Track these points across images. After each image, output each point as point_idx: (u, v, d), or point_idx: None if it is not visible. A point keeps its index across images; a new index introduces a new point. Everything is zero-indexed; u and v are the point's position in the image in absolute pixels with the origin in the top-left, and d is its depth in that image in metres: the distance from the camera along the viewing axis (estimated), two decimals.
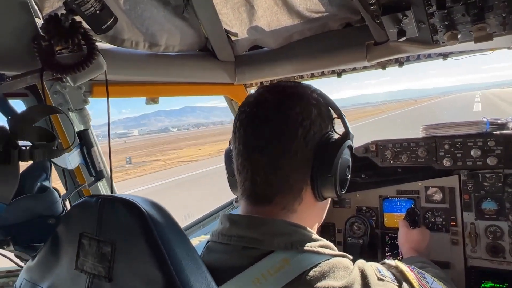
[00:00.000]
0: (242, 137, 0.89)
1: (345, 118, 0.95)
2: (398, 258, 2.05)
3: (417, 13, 1.28)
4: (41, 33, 1.08)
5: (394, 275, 0.89)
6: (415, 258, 1.58)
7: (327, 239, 0.88)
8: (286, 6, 1.62)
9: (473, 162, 1.89)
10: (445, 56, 1.89)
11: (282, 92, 0.92)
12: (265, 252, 0.80)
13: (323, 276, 0.77)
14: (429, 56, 1.91)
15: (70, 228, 0.75)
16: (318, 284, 0.75)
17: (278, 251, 0.80)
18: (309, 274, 0.76)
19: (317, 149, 0.87)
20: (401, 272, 0.91)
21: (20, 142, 0.77)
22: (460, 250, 1.96)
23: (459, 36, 1.36)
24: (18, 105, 1.38)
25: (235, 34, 1.80)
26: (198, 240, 1.03)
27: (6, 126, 0.77)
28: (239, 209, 0.94)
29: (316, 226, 0.99)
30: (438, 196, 2.06)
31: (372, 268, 0.86)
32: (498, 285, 1.88)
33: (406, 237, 1.77)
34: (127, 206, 0.67)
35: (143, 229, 0.64)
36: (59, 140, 1.41)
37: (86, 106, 1.49)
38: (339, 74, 2.18)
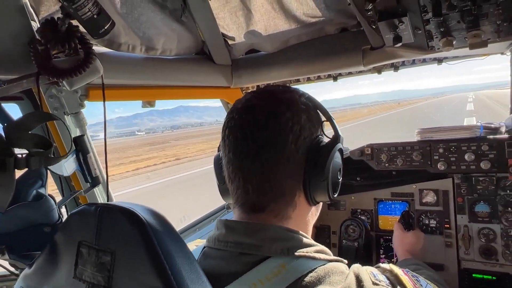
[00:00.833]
0: (232, 145, 0.88)
1: (335, 121, 0.95)
2: (393, 260, 2.06)
3: (413, 20, 1.29)
4: (37, 37, 1.07)
5: (388, 279, 0.89)
6: (410, 261, 1.59)
7: (322, 242, 0.89)
8: (283, 10, 1.62)
9: (467, 166, 1.91)
10: (439, 61, 1.91)
11: (271, 98, 0.91)
12: (262, 258, 0.81)
13: (319, 281, 0.77)
14: (424, 61, 1.93)
15: (69, 236, 0.75)
16: None
17: (275, 257, 0.80)
18: (305, 279, 0.77)
19: (308, 154, 0.87)
20: (396, 276, 0.91)
21: (16, 150, 0.77)
22: (454, 252, 1.98)
23: (454, 43, 1.38)
24: (13, 109, 1.36)
25: (232, 38, 1.80)
26: (195, 245, 1.03)
27: (2, 133, 0.76)
28: (233, 215, 0.94)
29: (311, 229, 1.00)
30: (432, 199, 2.08)
31: (367, 272, 0.86)
32: (487, 277, 1.90)
33: (401, 240, 1.78)
34: (127, 214, 0.66)
35: (143, 238, 0.64)
36: (55, 144, 1.40)
37: (82, 110, 1.48)
38: (335, 78, 2.19)
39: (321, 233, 2.32)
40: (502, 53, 1.77)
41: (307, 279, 0.77)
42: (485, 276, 1.91)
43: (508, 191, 1.87)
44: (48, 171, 1.02)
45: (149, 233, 0.64)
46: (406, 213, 1.93)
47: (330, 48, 1.73)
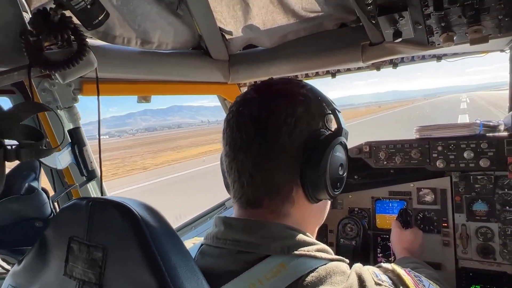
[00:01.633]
0: (228, 138, 0.87)
1: (339, 114, 0.91)
2: (390, 259, 2.05)
3: (413, 14, 1.28)
4: (29, 28, 1.04)
5: (391, 279, 0.88)
6: (408, 259, 1.58)
7: (319, 241, 0.86)
8: (282, 5, 1.60)
9: (466, 164, 1.91)
10: (438, 58, 1.90)
11: (268, 90, 0.89)
12: (261, 256, 0.78)
13: (320, 281, 0.75)
14: (423, 58, 1.92)
15: (59, 232, 0.72)
16: None
17: (274, 256, 0.78)
18: (306, 279, 0.75)
19: (304, 148, 0.83)
20: (398, 276, 0.89)
21: (7, 141, 0.74)
22: (451, 251, 1.98)
23: (454, 38, 1.37)
24: (4, 103, 1.33)
25: (230, 33, 1.78)
26: (192, 243, 1.01)
27: None
28: (233, 211, 0.92)
29: (316, 229, 0.97)
30: (430, 198, 2.07)
31: (369, 272, 0.84)
32: (484, 276, 1.90)
33: (399, 238, 1.77)
34: (120, 209, 0.64)
35: (136, 234, 0.61)
36: (48, 139, 1.37)
37: (76, 104, 1.44)
38: (333, 75, 2.17)
39: (318, 232, 2.30)
40: (501, 50, 1.76)
41: (308, 279, 0.75)
42: (482, 275, 1.91)
43: (506, 189, 1.86)
44: (42, 165, 0.99)
45: (143, 228, 0.62)
46: (404, 211, 1.93)
47: (329, 43, 1.71)
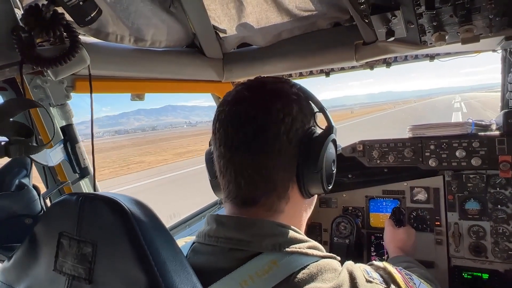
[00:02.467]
0: (223, 138, 0.86)
1: (328, 112, 0.93)
2: (384, 258, 2.06)
3: (406, 13, 1.28)
4: (21, 24, 1.03)
5: (382, 276, 0.88)
6: (401, 258, 1.59)
7: (313, 239, 0.87)
8: (276, 3, 1.60)
9: (458, 163, 1.92)
10: (431, 57, 1.92)
11: (261, 89, 0.89)
12: (252, 254, 0.79)
13: (311, 278, 0.76)
14: (416, 57, 1.93)
15: (49, 227, 0.71)
16: (307, 286, 0.74)
17: (266, 253, 0.78)
18: (297, 276, 0.75)
19: (300, 146, 0.85)
20: (389, 274, 0.90)
21: None
22: (444, 249, 1.99)
23: (446, 37, 1.38)
24: None
25: (224, 31, 1.77)
26: (184, 241, 1.00)
27: None
28: (225, 210, 0.92)
29: (304, 224, 0.98)
30: (423, 196, 2.09)
31: (360, 269, 0.85)
32: (476, 274, 1.91)
33: (392, 236, 1.78)
34: (109, 204, 0.64)
35: (126, 229, 0.61)
36: (40, 137, 1.36)
37: (68, 102, 1.44)
38: (327, 74, 2.18)
39: (312, 231, 2.32)
40: (493, 50, 1.78)
41: (299, 276, 0.75)
42: (474, 273, 1.92)
43: (497, 188, 1.88)
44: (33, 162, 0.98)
45: (133, 223, 0.62)
46: (397, 209, 1.94)
47: (323, 42, 1.72)
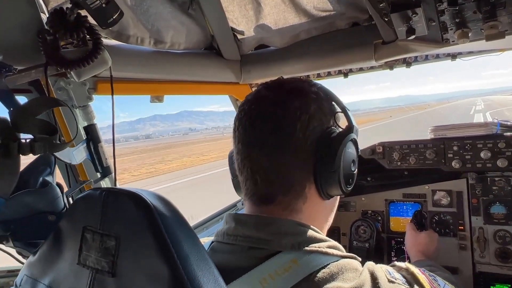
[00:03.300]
0: (241, 136, 0.87)
1: (349, 112, 0.92)
2: (405, 262, 2.01)
3: (427, 11, 1.26)
4: (46, 27, 1.07)
5: (404, 277, 0.86)
6: (424, 262, 1.54)
7: None
8: (293, 4, 1.60)
9: (483, 164, 1.86)
10: (453, 56, 1.87)
11: (280, 88, 0.90)
12: (272, 253, 0.78)
13: (331, 277, 0.75)
14: (437, 57, 1.89)
15: (73, 222, 0.73)
16: (327, 286, 0.73)
17: (285, 252, 0.78)
18: (317, 275, 0.74)
19: (318, 145, 0.84)
20: (412, 274, 0.88)
21: (22, 135, 0.76)
22: (468, 255, 1.93)
23: (469, 35, 1.34)
24: (21, 101, 1.36)
25: (241, 32, 1.79)
26: (203, 242, 1.01)
27: (8, 118, 0.75)
28: (244, 208, 0.92)
29: (326, 227, 0.96)
30: (445, 200, 2.03)
31: (382, 270, 0.83)
32: (506, 286, 1.84)
33: (414, 240, 1.73)
34: (133, 199, 0.64)
35: (149, 223, 0.61)
36: (63, 137, 1.40)
37: (90, 103, 1.47)
38: (345, 75, 2.16)
39: (330, 235, 2.25)
40: None
41: (320, 275, 0.74)
42: (500, 284, 1.85)
43: None
44: (56, 160, 1.01)
45: (156, 218, 0.62)
46: (418, 213, 1.89)
47: (341, 42, 1.70)
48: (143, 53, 1.51)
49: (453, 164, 1.93)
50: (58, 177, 1.08)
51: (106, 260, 0.64)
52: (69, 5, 1.05)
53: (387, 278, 0.81)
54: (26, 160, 0.84)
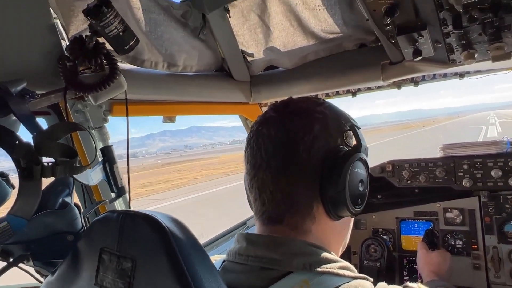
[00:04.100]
0: (249, 156, 0.89)
1: (358, 130, 0.91)
2: (418, 282, 1.98)
3: (433, 33, 1.28)
4: (66, 54, 1.12)
5: None
6: (437, 282, 1.52)
7: None
8: (302, 27, 1.65)
9: (494, 183, 1.85)
10: (461, 75, 1.88)
11: (285, 109, 0.91)
12: (283, 273, 0.78)
13: None
14: (445, 76, 1.91)
15: (91, 243, 0.75)
16: None
17: (297, 272, 0.78)
18: None
19: (324, 165, 0.84)
20: None
21: (44, 159, 0.79)
22: (483, 275, 1.89)
23: (476, 56, 1.36)
24: (41, 124, 1.41)
25: (251, 55, 1.84)
26: (214, 260, 1.02)
27: (31, 142, 0.79)
28: (255, 229, 0.93)
29: (339, 248, 0.96)
30: (457, 218, 2.00)
31: None
32: None
33: (426, 260, 1.71)
34: (149, 221, 0.66)
35: (164, 246, 0.64)
36: (79, 158, 1.44)
37: (106, 125, 1.52)
38: (354, 94, 2.18)
39: (341, 254, 2.25)
40: None
41: None
42: None
43: None
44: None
45: (171, 241, 0.64)
46: (430, 232, 1.87)
47: (349, 63, 1.73)
48: (157, 76, 1.56)
49: (463, 183, 1.92)
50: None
51: (123, 281, 0.66)
52: (88, 33, 1.11)
53: None
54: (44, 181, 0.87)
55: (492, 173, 1.83)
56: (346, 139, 0.89)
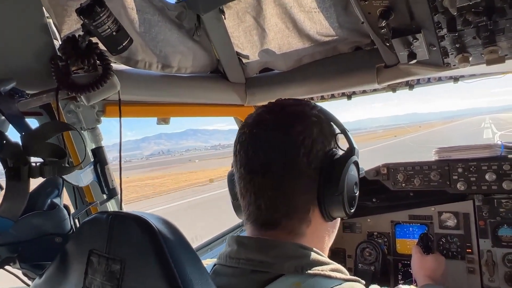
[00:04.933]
0: (243, 160, 0.87)
1: (349, 134, 0.93)
2: (413, 285, 1.97)
3: (427, 36, 1.29)
4: (59, 54, 1.11)
5: None
6: (431, 286, 1.52)
7: None
8: (297, 29, 1.65)
9: (488, 187, 1.85)
10: (455, 79, 1.89)
11: (281, 111, 0.89)
12: (275, 276, 0.78)
13: None
14: (439, 79, 1.91)
15: (80, 245, 0.74)
16: None
17: (288, 275, 0.77)
18: None
19: (321, 168, 0.84)
20: None
21: (32, 159, 0.78)
22: (477, 279, 1.89)
23: (470, 59, 1.36)
24: (32, 124, 1.40)
25: (246, 57, 1.83)
26: (205, 264, 1.01)
27: (20, 142, 0.77)
28: (246, 231, 0.92)
29: (327, 248, 0.96)
30: (452, 222, 2.01)
31: None
32: None
33: (420, 264, 1.71)
34: (138, 223, 0.65)
35: (154, 247, 0.63)
36: (71, 159, 1.42)
37: (98, 126, 1.50)
38: (349, 97, 2.19)
39: (336, 257, 2.25)
40: None
41: None
42: None
43: None
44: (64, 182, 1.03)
45: (160, 242, 0.63)
46: (424, 235, 1.87)
47: (344, 66, 1.74)
48: (151, 77, 1.55)
49: (458, 186, 1.92)
50: (65, 197, 1.10)
51: (111, 284, 0.65)
52: (81, 33, 1.09)
53: None
54: (34, 181, 0.86)
55: (487, 176, 1.84)
56: (337, 142, 0.91)
